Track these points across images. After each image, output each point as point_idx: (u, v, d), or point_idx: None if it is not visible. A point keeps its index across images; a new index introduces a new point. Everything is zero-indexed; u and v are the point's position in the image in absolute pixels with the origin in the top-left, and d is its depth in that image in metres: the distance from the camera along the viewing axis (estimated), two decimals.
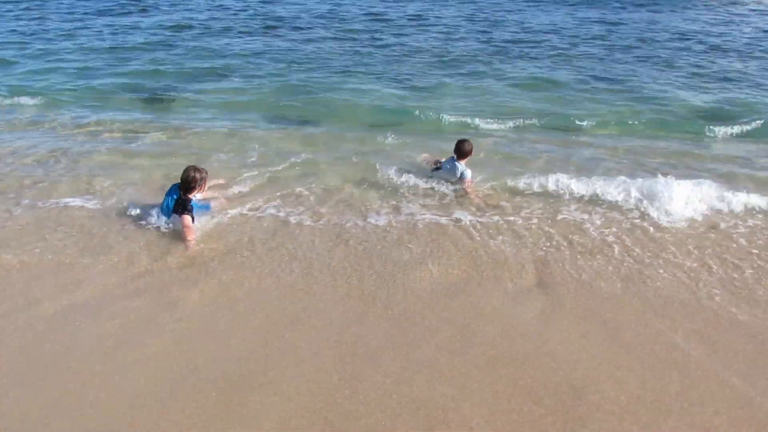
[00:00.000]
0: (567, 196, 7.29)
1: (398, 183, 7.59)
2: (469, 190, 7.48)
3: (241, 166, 7.98)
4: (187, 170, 6.23)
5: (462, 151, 7.52)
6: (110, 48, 15.70)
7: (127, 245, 5.98)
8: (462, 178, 7.52)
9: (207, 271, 5.60)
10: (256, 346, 4.52)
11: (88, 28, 18.52)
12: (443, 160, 7.87)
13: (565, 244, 6.22)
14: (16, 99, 11.41)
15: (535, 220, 6.70)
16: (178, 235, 6.15)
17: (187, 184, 6.22)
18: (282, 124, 10.17)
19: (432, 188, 7.48)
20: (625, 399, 4.10)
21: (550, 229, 6.50)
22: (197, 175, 6.23)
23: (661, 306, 5.19)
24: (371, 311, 4.96)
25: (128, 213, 6.57)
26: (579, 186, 7.43)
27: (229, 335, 4.63)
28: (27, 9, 21.55)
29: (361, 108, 10.93)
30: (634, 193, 7.21)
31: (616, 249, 6.13)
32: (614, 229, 6.54)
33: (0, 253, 5.75)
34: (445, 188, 7.47)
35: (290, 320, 4.83)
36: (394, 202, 7.06)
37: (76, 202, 6.90)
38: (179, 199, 6.24)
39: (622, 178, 7.50)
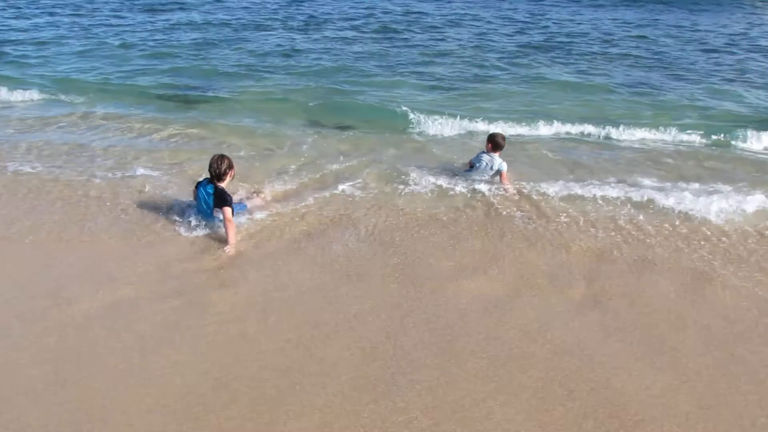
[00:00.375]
0: (620, 204, 6.96)
1: (437, 187, 7.37)
2: (506, 183, 7.39)
3: (278, 169, 7.82)
4: (213, 160, 6.13)
5: (497, 143, 7.44)
6: (149, 45, 15.82)
7: (163, 246, 5.86)
8: (499, 171, 7.42)
9: (242, 274, 5.44)
10: (290, 355, 4.32)
11: (128, 24, 18.74)
12: (473, 158, 7.73)
13: (620, 256, 5.88)
14: (53, 94, 11.52)
15: (585, 229, 6.38)
16: (214, 237, 6.01)
17: (217, 172, 6.08)
18: (318, 126, 9.99)
19: (473, 191, 7.23)
20: None
21: (603, 240, 6.18)
22: (224, 162, 6.12)
23: (730, 329, 4.80)
24: (412, 324, 4.71)
25: (165, 213, 6.46)
26: (633, 193, 7.13)
27: (263, 343, 4.44)
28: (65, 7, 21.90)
29: (396, 110, 10.69)
30: (693, 203, 6.88)
31: (677, 263, 5.75)
32: (676, 242, 6.16)
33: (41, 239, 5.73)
34: (486, 190, 7.25)
35: (327, 329, 4.62)
36: (435, 209, 6.82)
37: (113, 199, 6.83)
38: (216, 190, 6.08)
39: (681, 184, 7.23)
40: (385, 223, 6.45)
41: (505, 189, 7.34)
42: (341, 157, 8.23)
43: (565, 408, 3.91)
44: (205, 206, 6.17)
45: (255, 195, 6.87)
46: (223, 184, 6.14)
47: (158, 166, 7.79)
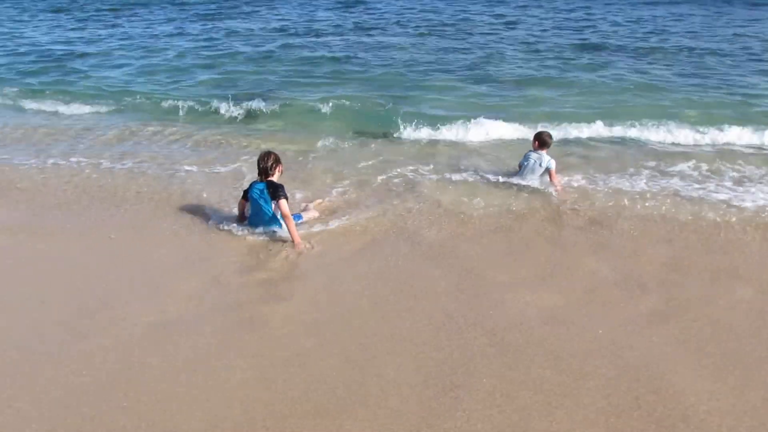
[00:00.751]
0: (693, 207, 6.58)
1: (491, 192, 7.20)
2: (556, 181, 7.26)
3: (331, 179, 7.76)
4: (260, 157, 6.17)
5: (544, 140, 7.33)
6: (205, 53, 16.17)
7: (215, 257, 5.85)
8: (548, 168, 7.28)
9: (294, 286, 5.37)
10: (346, 371, 4.18)
11: (185, 33, 19.22)
12: (522, 159, 7.55)
13: (693, 263, 5.50)
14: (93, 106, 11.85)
15: (653, 233, 6.03)
16: (265, 246, 5.97)
17: (264, 167, 6.11)
18: (368, 136, 9.82)
19: (526, 195, 7.01)
20: None
21: (672, 246, 5.81)
22: (271, 158, 6.15)
23: None
24: (471, 339, 4.49)
25: (217, 226, 6.44)
26: (707, 196, 6.75)
27: (314, 359, 4.31)
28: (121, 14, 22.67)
29: (446, 115, 10.47)
30: None
31: (759, 273, 5.33)
32: (757, 250, 5.74)
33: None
34: (539, 192, 7.03)
35: (382, 346, 4.46)
36: (491, 216, 6.60)
37: (169, 212, 6.91)
38: (269, 183, 6.08)
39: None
40: (441, 233, 6.27)
41: (555, 188, 7.22)
42: (397, 169, 8.08)
43: (631, 422, 3.62)
44: (261, 203, 6.08)
45: (309, 206, 6.80)
46: (273, 179, 6.15)
47: (197, 182, 7.84)
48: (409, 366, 4.18)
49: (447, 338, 4.47)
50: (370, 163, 8.32)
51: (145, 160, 8.51)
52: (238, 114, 11.08)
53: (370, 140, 9.50)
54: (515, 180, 7.46)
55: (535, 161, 7.34)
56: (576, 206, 6.76)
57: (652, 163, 8.14)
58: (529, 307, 4.85)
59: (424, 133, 9.69)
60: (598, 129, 9.64)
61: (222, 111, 11.19)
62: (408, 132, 9.70)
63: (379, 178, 7.72)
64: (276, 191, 6.00)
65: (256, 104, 11.33)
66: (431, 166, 8.15)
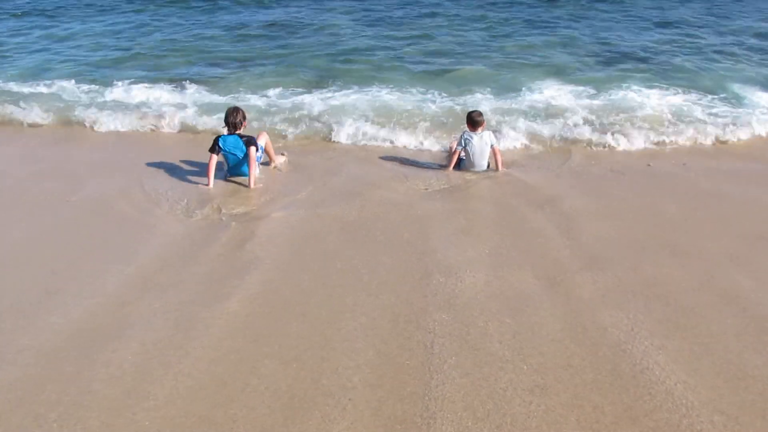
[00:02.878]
0: None
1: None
2: (500, 158, 7.50)
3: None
4: (229, 113, 7.14)
5: (478, 121, 7.41)
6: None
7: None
8: (492, 147, 7.46)
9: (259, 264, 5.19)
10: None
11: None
12: (456, 144, 7.54)
13: None
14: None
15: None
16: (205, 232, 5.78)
17: (234, 123, 7.11)
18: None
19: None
20: None
21: None
22: (239, 114, 7.17)
23: None
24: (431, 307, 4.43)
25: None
26: None
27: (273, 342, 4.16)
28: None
29: None
30: None
31: None
32: None
33: None
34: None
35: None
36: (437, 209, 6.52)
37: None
38: (240, 136, 7.09)
39: None
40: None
41: (498, 165, 7.49)
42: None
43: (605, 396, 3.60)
44: (238, 153, 7.09)
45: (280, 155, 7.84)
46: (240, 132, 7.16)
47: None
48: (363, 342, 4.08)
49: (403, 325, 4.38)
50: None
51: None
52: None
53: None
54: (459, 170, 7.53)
55: (482, 138, 7.38)
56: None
57: None
58: (483, 292, 4.80)
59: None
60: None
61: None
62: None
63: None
64: (249, 140, 7.08)
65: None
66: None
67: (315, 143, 8.69)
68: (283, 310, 4.52)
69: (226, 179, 7.26)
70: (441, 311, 4.49)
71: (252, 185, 6.97)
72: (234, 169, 7.23)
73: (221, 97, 10.47)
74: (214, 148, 7.08)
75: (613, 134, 8.54)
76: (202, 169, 7.29)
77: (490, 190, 6.99)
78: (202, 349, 4.04)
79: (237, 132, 7.14)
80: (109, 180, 7.21)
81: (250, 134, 7.27)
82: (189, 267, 5.16)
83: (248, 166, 7.02)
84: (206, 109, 9.73)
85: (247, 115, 7.39)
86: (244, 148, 7.04)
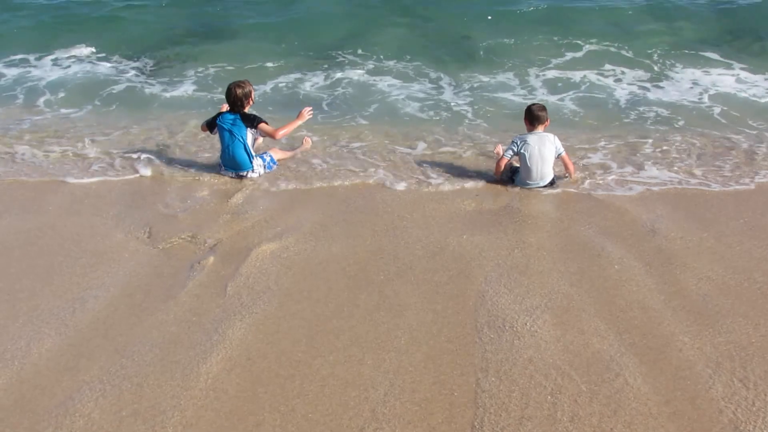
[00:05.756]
0: None
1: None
2: (570, 167, 7.67)
3: None
4: (229, 90, 7.60)
5: (539, 116, 7.50)
6: None
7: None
8: (559, 154, 7.55)
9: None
10: None
11: None
12: (503, 150, 7.67)
13: None
14: None
15: None
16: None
17: (236, 102, 7.59)
18: None
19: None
20: None
21: None
22: (240, 90, 7.55)
23: None
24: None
25: None
26: None
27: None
28: None
29: None
30: None
31: None
32: None
33: None
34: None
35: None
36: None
37: None
38: (242, 116, 7.61)
39: None
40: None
41: (570, 174, 7.68)
42: None
43: None
44: (235, 131, 7.59)
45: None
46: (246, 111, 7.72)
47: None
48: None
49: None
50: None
51: None
52: None
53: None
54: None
55: (545, 139, 7.47)
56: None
57: None
58: None
59: None
60: None
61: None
62: None
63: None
64: (251, 121, 7.59)
65: None
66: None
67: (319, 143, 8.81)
68: (273, 385, 4.49)
69: (220, 172, 7.82)
70: (492, 377, 4.45)
71: (253, 168, 7.72)
72: (227, 157, 7.69)
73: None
74: (211, 124, 7.79)
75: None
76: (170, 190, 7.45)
77: (555, 214, 6.99)
78: None
79: (240, 112, 7.64)
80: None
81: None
82: (149, 319, 5.18)
83: (279, 135, 7.69)
84: None
85: (254, 90, 7.90)
86: (243, 126, 7.57)
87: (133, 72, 11.94)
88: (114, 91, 11.07)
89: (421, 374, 4.53)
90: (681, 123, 9.52)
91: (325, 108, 10.24)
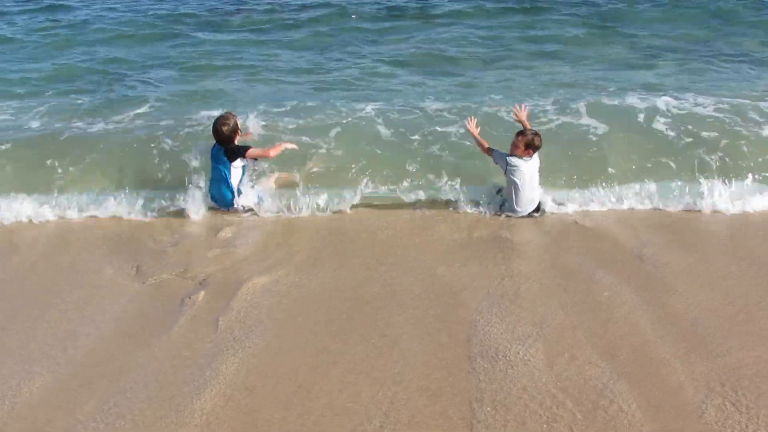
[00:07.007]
0: None
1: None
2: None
3: None
4: (215, 129, 7.46)
5: (537, 146, 7.48)
6: None
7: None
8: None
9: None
10: None
11: None
12: (500, 161, 7.62)
13: None
14: None
15: None
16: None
17: (223, 138, 7.48)
18: None
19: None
20: None
21: None
22: (226, 126, 7.43)
23: None
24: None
25: None
26: None
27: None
28: None
29: None
30: None
31: None
32: None
33: None
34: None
35: None
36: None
37: None
38: (226, 150, 7.52)
39: None
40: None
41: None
42: None
43: None
44: (220, 166, 7.56)
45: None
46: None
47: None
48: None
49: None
50: None
51: None
52: None
53: None
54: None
55: (534, 164, 7.55)
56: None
57: None
58: None
59: None
60: None
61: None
62: None
63: None
64: (235, 153, 7.52)
65: None
66: None
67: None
68: (268, 420, 4.50)
69: (208, 209, 7.79)
70: (487, 407, 4.48)
71: (234, 205, 7.68)
72: (212, 190, 7.73)
73: None
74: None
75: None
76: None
77: (543, 240, 7.08)
78: None
79: (225, 147, 7.58)
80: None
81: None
82: (142, 355, 5.19)
83: (266, 156, 7.65)
84: None
85: (240, 124, 7.78)
86: (227, 161, 7.52)
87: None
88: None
89: (416, 405, 4.55)
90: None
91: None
